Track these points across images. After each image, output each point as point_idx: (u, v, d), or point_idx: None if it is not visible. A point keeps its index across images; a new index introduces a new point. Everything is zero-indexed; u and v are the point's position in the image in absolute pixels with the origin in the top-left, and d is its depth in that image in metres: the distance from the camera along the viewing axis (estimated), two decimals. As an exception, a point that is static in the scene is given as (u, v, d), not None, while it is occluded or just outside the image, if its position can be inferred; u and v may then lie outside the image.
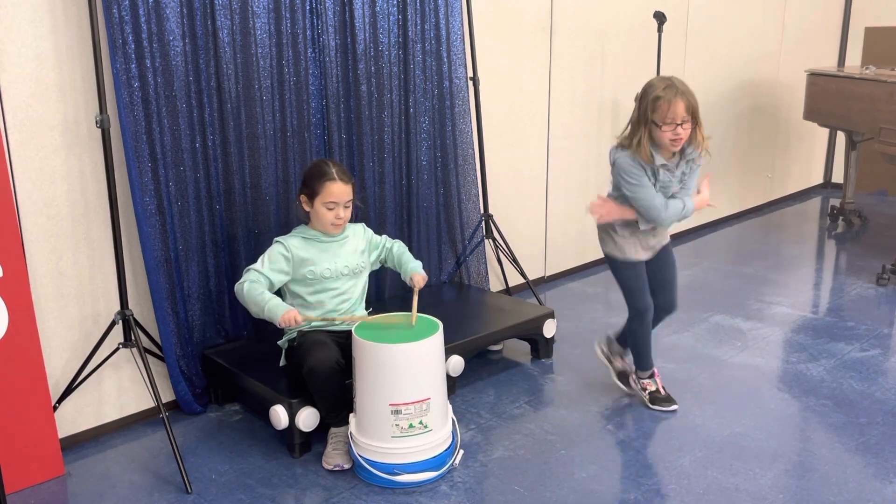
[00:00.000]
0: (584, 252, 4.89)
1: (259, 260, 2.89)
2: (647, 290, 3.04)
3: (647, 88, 2.80)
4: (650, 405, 3.15)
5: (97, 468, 2.83)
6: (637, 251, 2.99)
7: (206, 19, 2.96)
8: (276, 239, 2.95)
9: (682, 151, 2.86)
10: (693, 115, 2.75)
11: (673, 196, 2.89)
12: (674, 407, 3.12)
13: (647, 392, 3.17)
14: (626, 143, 2.85)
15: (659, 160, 2.81)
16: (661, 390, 3.16)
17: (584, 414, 3.15)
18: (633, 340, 3.14)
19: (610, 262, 3.07)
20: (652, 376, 3.18)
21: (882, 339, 3.83)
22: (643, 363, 3.17)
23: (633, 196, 2.85)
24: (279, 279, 2.87)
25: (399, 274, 3.15)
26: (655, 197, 2.83)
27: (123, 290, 2.86)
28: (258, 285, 2.81)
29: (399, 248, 3.16)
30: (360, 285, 3.04)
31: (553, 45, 4.39)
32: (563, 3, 4.37)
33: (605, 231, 3.03)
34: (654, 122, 2.75)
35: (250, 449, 2.94)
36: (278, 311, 2.74)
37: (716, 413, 3.13)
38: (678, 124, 2.73)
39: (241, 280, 2.85)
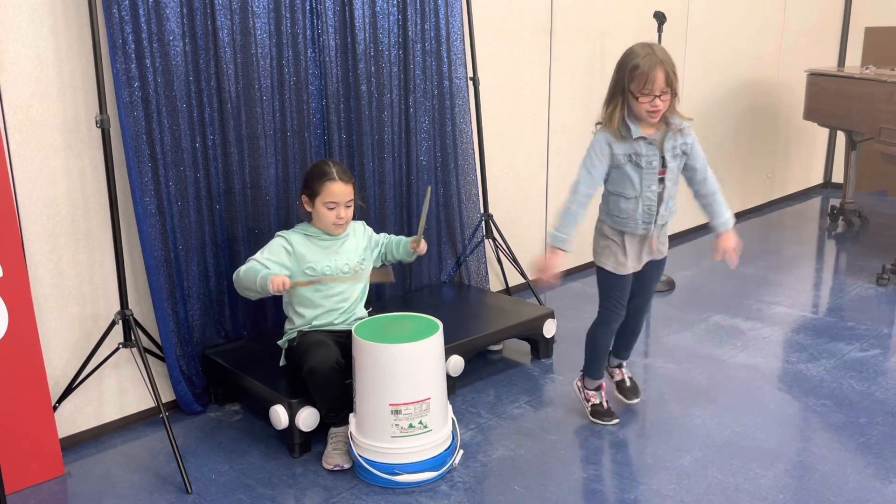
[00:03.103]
0: (584, 252, 4.85)
1: (259, 251, 2.90)
2: (626, 298, 2.90)
3: (627, 56, 2.62)
4: (591, 418, 3.04)
5: (97, 468, 2.83)
6: (626, 265, 2.83)
7: (206, 19, 2.96)
8: (279, 233, 2.96)
9: (667, 122, 2.69)
10: (671, 86, 2.58)
11: (662, 183, 2.72)
12: (615, 421, 3.01)
13: (589, 403, 3.06)
14: (605, 117, 2.70)
15: (636, 132, 2.64)
16: (605, 404, 3.04)
17: (585, 414, 3.15)
18: (593, 345, 2.99)
19: (596, 270, 2.94)
20: (598, 388, 3.06)
21: (882, 339, 3.83)
22: (594, 371, 3.03)
23: (580, 166, 2.72)
24: (277, 270, 2.87)
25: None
26: (584, 181, 2.70)
27: (123, 290, 2.86)
28: (254, 268, 2.82)
29: (394, 237, 3.19)
30: (359, 285, 3.04)
31: (553, 45, 4.39)
32: (563, 3, 4.37)
33: (599, 239, 2.89)
34: (632, 93, 2.58)
35: (250, 449, 2.94)
36: (267, 278, 2.72)
37: (716, 413, 3.13)
38: (656, 96, 2.57)
39: (240, 267, 2.87)
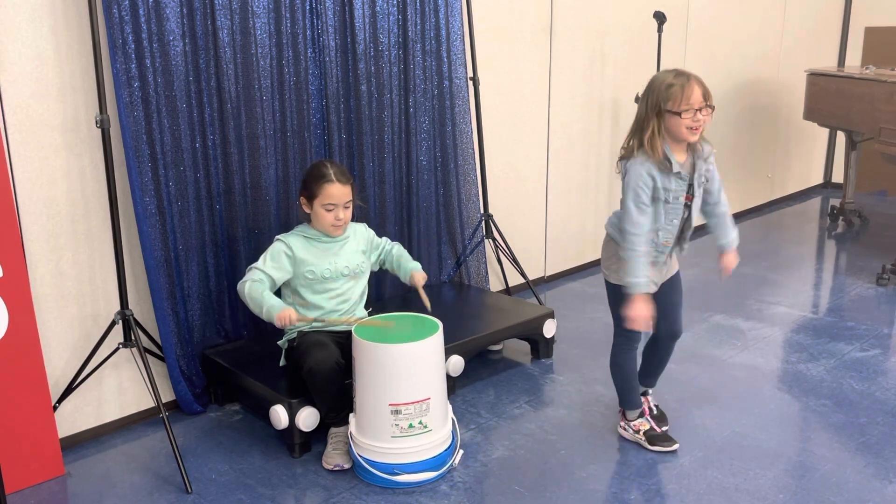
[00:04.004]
0: (584, 252, 4.88)
1: (261, 258, 2.90)
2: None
3: (655, 80, 2.58)
4: (649, 447, 2.86)
5: (97, 468, 2.83)
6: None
7: (206, 19, 2.96)
8: (278, 237, 2.96)
9: (695, 151, 2.63)
10: (708, 101, 2.54)
11: (687, 209, 2.67)
12: (675, 446, 2.85)
13: (641, 433, 2.89)
14: (635, 146, 2.60)
15: (675, 165, 2.57)
16: (657, 428, 2.89)
17: (584, 414, 3.15)
18: (619, 373, 2.89)
19: (609, 287, 2.81)
20: (642, 415, 2.92)
21: (882, 339, 3.83)
22: (630, 400, 2.91)
23: (625, 208, 2.60)
24: (281, 277, 2.88)
25: (398, 275, 3.15)
26: (641, 223, 2.58)
27: (123, 290, 2.86)
28: (260, 285, 2.81)
29: (398, 249, 3.17)
30: (359, 287, 3.04)
31: (553, 45, 4.39)
32: (563, 3, 4.37)
33: (614, 258, 2.75)
34: (671, 111, 2.51)
35: (250, 449, 2.94)
36: (274, 311, 2.74)
37: (716, 413, 3.13)
38: (697, 110, 2.51)
39: (244, 279, 2.86)
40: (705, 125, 2.57)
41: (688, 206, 2.69)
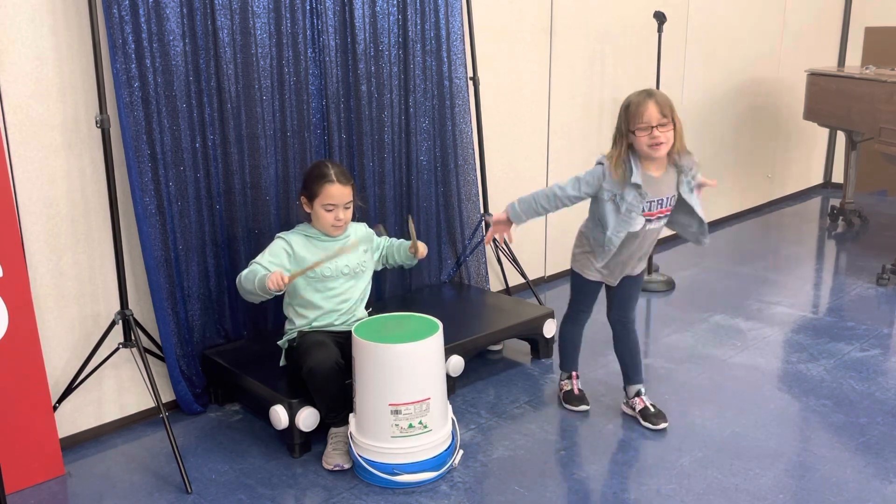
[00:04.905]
0: (584, 252, 4.88)
1: (260, 254, 2.90)
2: (592, 303, 3.10)
3: (624, 102, 2.75)
4: (564, 403, 3.19)
5: (97, 468, 2.83)
6: (595, 273, 2.97)
7: (206, 19, 2.96)
8: (279, 235, 2.96)
9: (677, 165, 2.78)
10: (669, 117, 2.66)
11: (648, 220, 2.81)
12: (583, 407, 3.15)
13: (561, 392, 3.23)
14: (607, 157, 2.80)
15: (635, 176, 2.71)
16: (576, 390, 3.19)
17: (584, 414, 3.15)
18: (562, 339, 3.22)
19: (571, 269, 3.07)
20: (570, 378, 3.22)
21: (882, 339, 3.83)
22: (564, 363, 3.24)
23: (573, 177, 2.85)
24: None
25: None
26: (569, 187, 2.80)
27: (123, 290, 2.86)
28: (253, 273, 2.81)
29: (395, 240, 3.18)
30: (360, 287, 3.04)
31: (553, 45, 4.39)
32: (563, 3, 4.37)
33: (577, 250, 3.02)
34: (631, 131, 2.69)
35: (250, 449, 2.94)
36: (265, 279, 2.73)
37: (716, 413, 3.13)
38: (654, 127, 2.65)
39: (241, 272, 2.86)
40: (675, 140, 2.71)
41: (660, 219, 2.85)
